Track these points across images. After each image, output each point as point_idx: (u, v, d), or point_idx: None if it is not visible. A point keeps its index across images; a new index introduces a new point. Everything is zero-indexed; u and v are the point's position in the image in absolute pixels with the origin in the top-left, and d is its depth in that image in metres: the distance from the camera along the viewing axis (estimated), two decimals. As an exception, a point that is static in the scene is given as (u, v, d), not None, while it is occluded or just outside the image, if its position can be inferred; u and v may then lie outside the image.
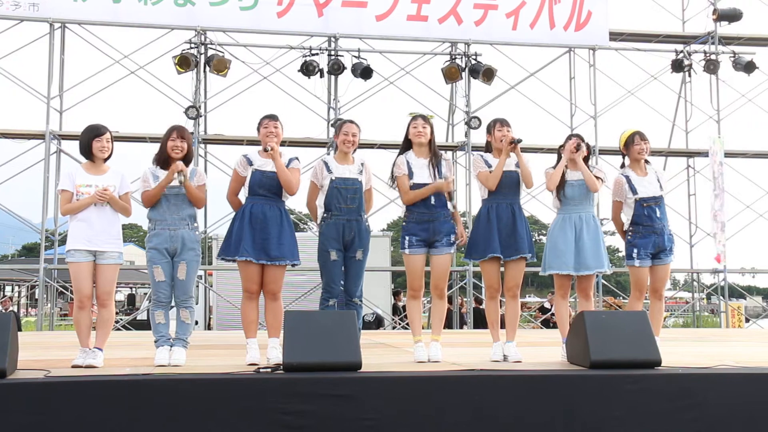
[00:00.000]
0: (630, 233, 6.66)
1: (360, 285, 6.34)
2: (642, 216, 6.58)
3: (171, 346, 5.78)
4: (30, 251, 47.72)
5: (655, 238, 6.56)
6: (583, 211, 6.40)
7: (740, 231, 15.88)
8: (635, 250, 6.57)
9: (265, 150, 5.92)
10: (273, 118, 6.14)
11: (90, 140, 5.78)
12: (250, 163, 6.05)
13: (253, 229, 5.92)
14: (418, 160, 6.24)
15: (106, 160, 5.89)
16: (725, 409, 5.14)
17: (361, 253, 6.26)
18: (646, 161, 6.78)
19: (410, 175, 6.21)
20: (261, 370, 5.11)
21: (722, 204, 14.83)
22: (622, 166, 6.80)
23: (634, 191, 6.60)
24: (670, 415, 5.07)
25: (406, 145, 6.34)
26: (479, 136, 14.78)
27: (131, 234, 48.89)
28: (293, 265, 6.05)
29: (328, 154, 6.50)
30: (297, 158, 6.20)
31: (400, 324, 14.89)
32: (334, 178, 6.23)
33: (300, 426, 4.71)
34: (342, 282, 6.28)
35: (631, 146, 6.67)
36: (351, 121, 6.43)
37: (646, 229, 6.57)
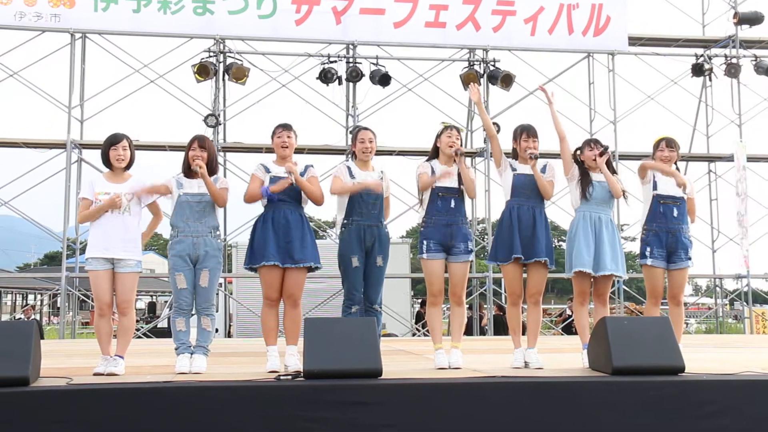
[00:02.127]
0: (644, 231, 6.64)
1: (380, 292, 6.34)
2: (657, 213, 6.55)
3: (191, 354, 5.79)
4: (52, 260, 48.14)
5: (668, 237, 6.51)
6: (603, 213, 6.37)
7: (764, 235, 15.70)
8: (648, 249, 6.55)
9: (288, 173, 5.96)
10: (286, 127, 6.18)
11: (107, 149, 5.86)
12: (267, 171, 6.09)
13: (276, 234, 5.94)
14: (443, 167, 6.27)
15: (127, 168, 5.92)
16: (751, 417, 5.06)
17: (381, 259, 6.25)
18: (677, 168, 6.74)
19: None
20: (281, 377, 5.11)
21: (746, 209, 14.68)
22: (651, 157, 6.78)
23: (654, 187, 6.59)
24: (695, 422, 5.00)
25: (434, 154, 6.36)
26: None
27: (151, 242, 49.16)
28: (316, 268, 6.05)
29: (347, 161, 6.50)
30: (312, 165, 6.23)
31: (420, 331, 14.86)
32: (356, 183, 6.24)
33: (321, 433, 4.70)
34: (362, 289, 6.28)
35: (656, 151, 6.66)
36: (366, 128, 6.48)
37: (660, 226, 6.53)
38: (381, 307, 6.34)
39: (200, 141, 6.00)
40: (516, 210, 6.20)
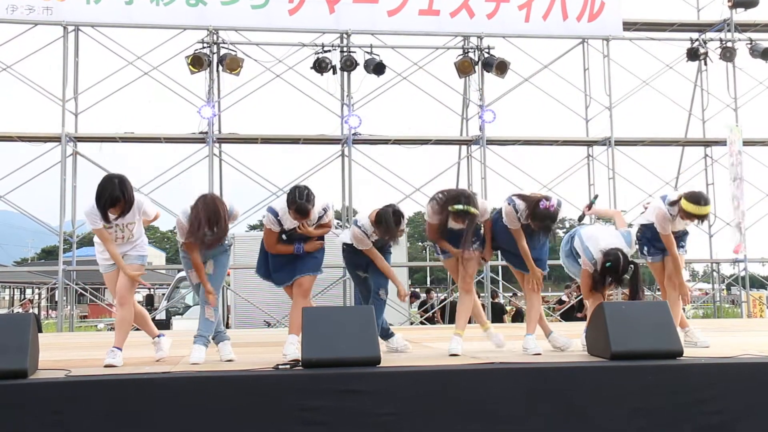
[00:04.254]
0: (640, 230, 6.71)
1: (386, 279, 6.53)
2: (656, 232, 6.55)
3: (205, 345, 5.79)
4: (49, 254, 48.05)
5: None
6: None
7: (760, 220, 15.70)
8: (645, 248, 6.70)
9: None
10: (303, 213, 5.89)
11: (104, 210, 5.50)
12: (279, 224, 6.07)
13: (287, 258, 6.19)
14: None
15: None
16: (750, 399, 5.08)
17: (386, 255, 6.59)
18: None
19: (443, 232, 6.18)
20: (280, 366, 5.10)
21: (742, 193, 14.67)
22: (672, 204, 6.41)
23: (664, 230, 6.50)
24: (693, 406, 5.01)
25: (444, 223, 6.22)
26: (493, 130, 14.72)
27: (148, 236, 49.12)
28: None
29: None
30: (329, 208, 6.20)
31: (419, 318, 14.90)
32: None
33: (319, 422, 4.71)
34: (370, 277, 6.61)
35: (682, 213, 6.36)
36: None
37: (654, 233, 6.57)
38: (387, 294, 6.55)
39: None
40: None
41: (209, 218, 5.53)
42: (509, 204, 6.07)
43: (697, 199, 6.24)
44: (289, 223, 6.01)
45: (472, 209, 5.81)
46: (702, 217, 6.40)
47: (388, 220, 6.14)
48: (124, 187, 5.46)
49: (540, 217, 5.86)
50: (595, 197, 6.62)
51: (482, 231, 6.28)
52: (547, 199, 5.89)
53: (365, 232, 6.36)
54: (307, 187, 5.93)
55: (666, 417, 4.97)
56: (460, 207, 5.80)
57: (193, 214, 5.60)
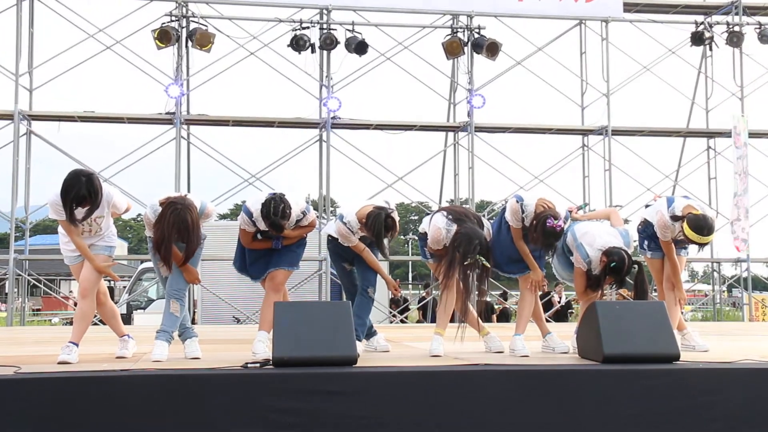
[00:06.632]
0: (642, 224, 6.78)
1: (375, 275, 6.57)
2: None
3: (168, 341, 5.76)
4: (0, 242, 47.61)
5: None
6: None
7: (765, 217, 15.82)
8: (645, 242, 6.75)
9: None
10: (277, 230, 5.97)
11: (70, 207, 5.45)
12: (254, 225, 6.06)
13: (262, 253, 6.24)
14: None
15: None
16: (748, 407, 5.12)
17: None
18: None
19: None
20: (249, 365, 5.09)
21: (746, 188, 14.76)
22: (675, 219, 6.38)
23: (664, 236, 6.54)
24: (689, 413, 5.05)
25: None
26: (482, 116, 14.77)
27: (109, 224, 48.75)
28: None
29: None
30: (309, 210, 6.21)
31: (397, 318, 14.94)
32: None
33: (290, 424, 4.70)
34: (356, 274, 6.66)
35: (682, 235, 6.34)
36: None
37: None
38: (375, 293, 6.60)
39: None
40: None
41: (179, 231, 5.56)
42: (517, 201, 6.13)
43: (700, 227, 6.17)
44: (264, 226, 6.01)
45: (485, 262, 5.80)
46: (702, 245, 6.39)
47: (378, 226, 6.18)
48: (91, 186, 5.41)
49: (546, 233, 5.93)
50: (585, 205, 6.67)
51: None
52: (556, 217, 5.93)
53: (350, 229, 6.35)
54: (283, 199, 5.89)
55: (661, 425, 5.01)
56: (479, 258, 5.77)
57: (159, 227, 5.59)
